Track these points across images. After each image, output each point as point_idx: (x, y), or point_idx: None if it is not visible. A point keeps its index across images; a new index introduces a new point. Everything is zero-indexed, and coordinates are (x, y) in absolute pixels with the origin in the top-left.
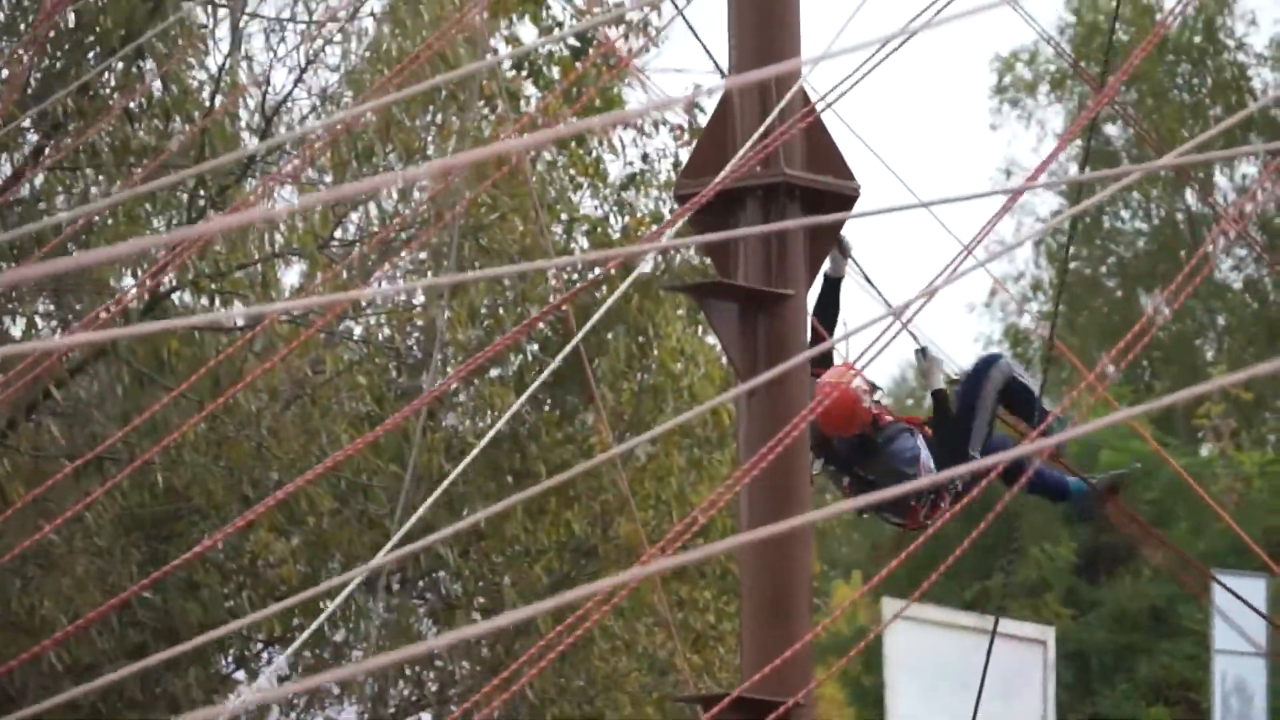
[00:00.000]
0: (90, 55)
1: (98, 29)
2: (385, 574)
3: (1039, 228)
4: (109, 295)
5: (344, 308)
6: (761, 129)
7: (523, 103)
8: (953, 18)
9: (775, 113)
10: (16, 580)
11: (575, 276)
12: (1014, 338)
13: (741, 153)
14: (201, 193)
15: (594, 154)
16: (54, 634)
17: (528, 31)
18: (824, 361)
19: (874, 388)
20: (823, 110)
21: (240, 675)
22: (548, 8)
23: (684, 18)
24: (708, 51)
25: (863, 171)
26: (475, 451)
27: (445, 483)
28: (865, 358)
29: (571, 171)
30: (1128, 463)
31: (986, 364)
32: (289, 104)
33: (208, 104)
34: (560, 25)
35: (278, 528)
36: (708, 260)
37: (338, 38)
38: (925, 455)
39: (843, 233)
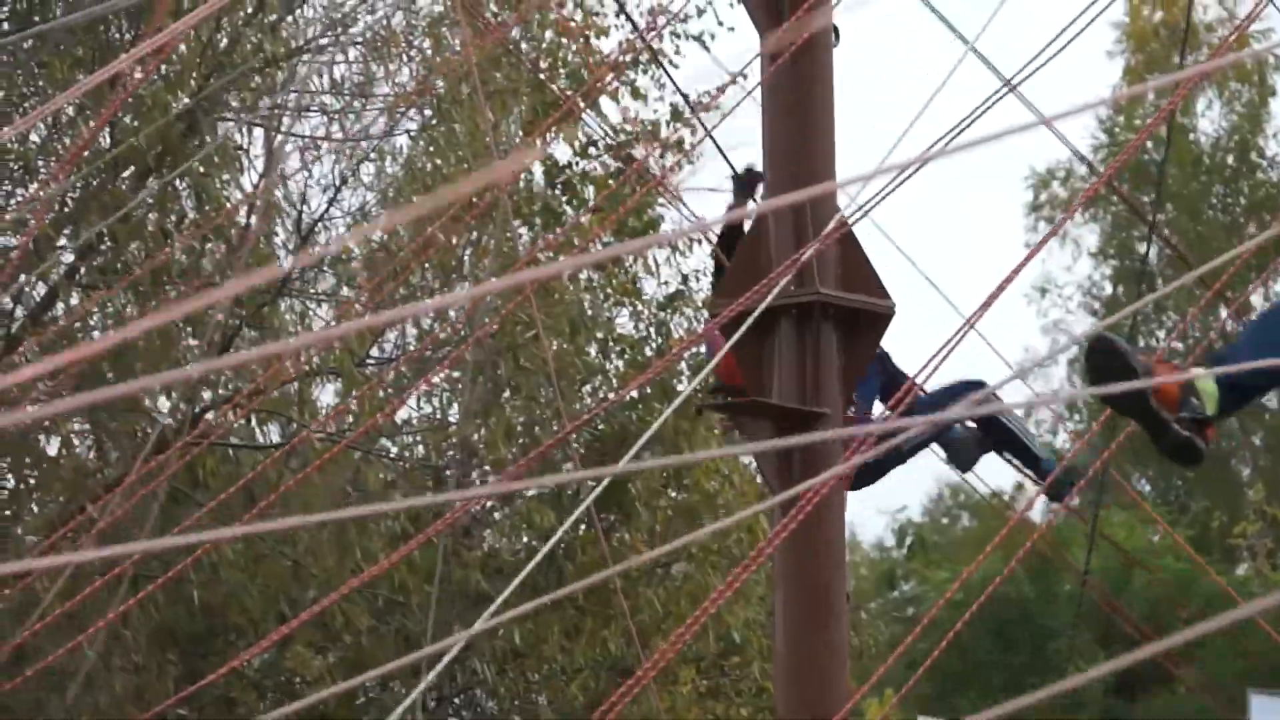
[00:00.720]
0: (125, 174)
1: (134, 148)
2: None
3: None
4: (143, 415)
5: (378, 425)
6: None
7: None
8: (990, 138)
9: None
10: (54, 697)
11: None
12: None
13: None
14: (238, 312)
15: (630, 272)
16: None
17: (563, 150)
18: None
19: None
20: (854, 222)
21: None
22: (584, 125)
23: (713, 139)
24: (735, 173)
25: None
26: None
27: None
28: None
29: (609, 290)
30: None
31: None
32: (325, 222)
33: (243, 223)
34: (596, 144)
35: (314, 645)
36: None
37: (373, 156)
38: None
39: (750, 167)
